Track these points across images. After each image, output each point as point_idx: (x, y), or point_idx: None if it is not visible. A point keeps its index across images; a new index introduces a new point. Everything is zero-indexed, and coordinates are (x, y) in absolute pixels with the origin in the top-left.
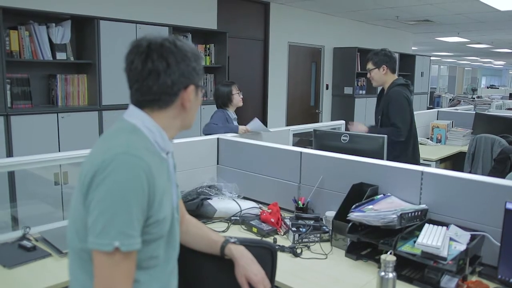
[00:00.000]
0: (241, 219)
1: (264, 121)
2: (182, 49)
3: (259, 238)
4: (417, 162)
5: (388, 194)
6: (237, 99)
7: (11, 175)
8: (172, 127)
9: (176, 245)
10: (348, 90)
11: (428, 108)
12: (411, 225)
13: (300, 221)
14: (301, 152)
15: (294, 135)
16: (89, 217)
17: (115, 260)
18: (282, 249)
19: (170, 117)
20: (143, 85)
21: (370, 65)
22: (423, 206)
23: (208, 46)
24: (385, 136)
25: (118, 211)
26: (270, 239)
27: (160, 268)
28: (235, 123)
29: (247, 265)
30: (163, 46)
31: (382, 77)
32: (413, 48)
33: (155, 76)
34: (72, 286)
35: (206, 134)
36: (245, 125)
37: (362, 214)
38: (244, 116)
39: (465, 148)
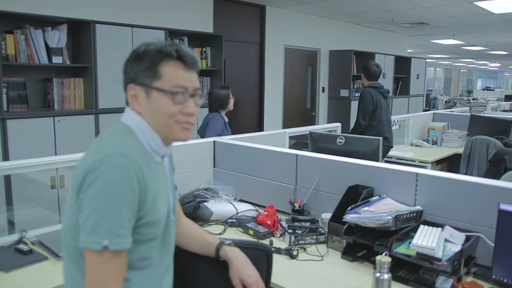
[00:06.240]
0: (237, 222)
1: (261, 124)
2: (145, 52)
3: (255, 240)
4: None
5: (384, 195)
6: (232, 103)
7: (7, 178)
8: (156, 130)
9: (171, 246)
10: (344, 93)
11: (424, 110)
12: (406, 226)
13: (296, 223)
14: (297, 155)
15: (290, 137)
16: (81, 216)
17: (105, 259)
18: (278, 251)
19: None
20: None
21: None
22: (418, 207)
23: (204, 49)
24: (380, 138)
25: (108, 211)
26: (266, 241)
27: (153, 269)
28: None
29: (242, 266)
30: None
31: (363, 81)
32: (408, 50)
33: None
34: (66, 282)
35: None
36: (237, 132)
37: (357, 216)
38: (240, 120)
39: (460, 150)
